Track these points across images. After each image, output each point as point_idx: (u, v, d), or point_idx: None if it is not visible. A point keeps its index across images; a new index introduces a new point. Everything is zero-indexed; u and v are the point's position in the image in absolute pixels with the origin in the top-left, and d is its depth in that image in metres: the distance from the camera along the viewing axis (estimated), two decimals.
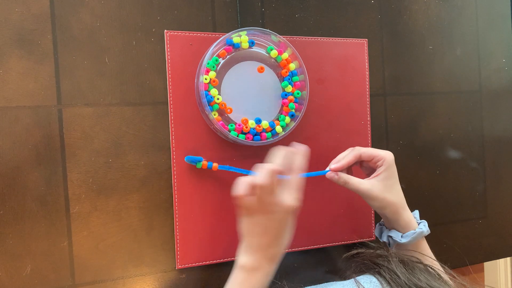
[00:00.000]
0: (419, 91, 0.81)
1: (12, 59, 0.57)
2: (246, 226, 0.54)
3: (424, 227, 0.62)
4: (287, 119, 0.67)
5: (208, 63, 0.63)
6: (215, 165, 0.64)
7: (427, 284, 0.51)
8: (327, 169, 0.63)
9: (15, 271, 0.57)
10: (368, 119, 0.75)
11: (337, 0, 0.75)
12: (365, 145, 0.75)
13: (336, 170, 0.62)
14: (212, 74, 0.64)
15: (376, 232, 0.68)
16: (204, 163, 0.64)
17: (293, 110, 0.68)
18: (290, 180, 0.53)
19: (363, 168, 0.66)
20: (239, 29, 0.65)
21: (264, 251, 0.53)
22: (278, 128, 0.67)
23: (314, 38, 0.72)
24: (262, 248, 0.53)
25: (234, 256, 0.67)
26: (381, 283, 0.52)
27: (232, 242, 0.67)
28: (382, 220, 0.68)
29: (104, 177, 0.61)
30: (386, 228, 0.66)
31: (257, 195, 0.50)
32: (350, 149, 0.64)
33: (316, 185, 0.71)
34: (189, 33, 0.65)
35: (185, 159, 0.64)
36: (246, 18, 0.69)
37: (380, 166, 0.61)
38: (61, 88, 0.59)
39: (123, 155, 0.62)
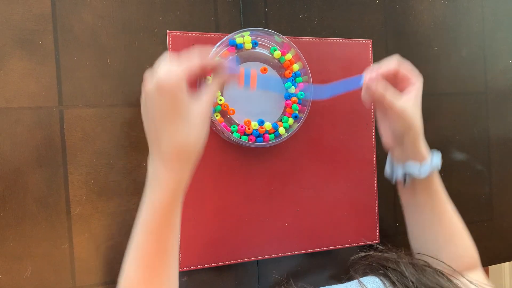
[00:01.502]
0: (424, 92, 0.80)
1: (13, 59, 0.57)
2: (143, 119, 0.49)
3: (438, 157, 0.59)
4: (290, 120, 0.67)
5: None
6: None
7: (437, 284, 0.50)
8: (361, 75, 0.58)
9: (16, 273, 0.57)
10: (372, 120, 0.74)
11: (341, 0, 0.74)
12: (369, 148, 0.74)
13: (373, 79, 0.55)
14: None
15: (387, 170, 0.64)
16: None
17: (297, 112, 0.67)
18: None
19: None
20: (242, 30, 0.64)
21: (157, 147, 0.45)
22: (281, 130, 0.66)
23: (318, 39, 0.71)
24: (155, 144, 0.46)
25: (237, 259, 0.66)
26: (384, 283, 0.51)
27: (235, 245, 0.66)
28: (388, 157, 0.64)
29: (106, 179, 0.60)
30: (396, 164, 0.62)
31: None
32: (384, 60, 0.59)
33: (319, 188, 0.71)
34: (192, 34, 0.64)
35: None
36: (249, 19, 0.68)
37: (413, 84, 0.58)
38: (62, 89, 0.59)
39: (124, 156, 0.61)
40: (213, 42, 0.64)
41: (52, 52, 0.58)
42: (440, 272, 0.54)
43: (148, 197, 0.47)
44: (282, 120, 0.67)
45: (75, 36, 0.59)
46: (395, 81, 0.59)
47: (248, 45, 0.65)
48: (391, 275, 0.52)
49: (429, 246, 0.63)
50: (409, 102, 0.57)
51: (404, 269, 0.52)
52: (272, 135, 0.66)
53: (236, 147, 0.66)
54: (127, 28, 0.62)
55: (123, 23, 0.62)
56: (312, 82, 0.67)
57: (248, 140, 0.64)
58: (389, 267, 0.54)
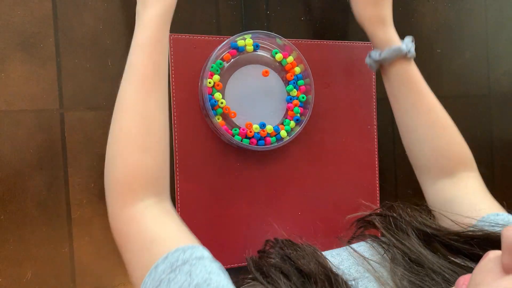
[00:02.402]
0: None
1: (14, 62, 0.56)
2: None
3: (405, 45, 0.59)
4: (292, 123, 0.66)
5: (212, 67, 0.63)
6: None
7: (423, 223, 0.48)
8: None
9: (16, 276, 0.56)
10: (375, 123, 0.74)
11: (343, 2, 0.74)
12: (371, 151, 0.74)
13: None
14: (216, 77, 0.63)
15: (366, 60, 0.65)
16: None
17: (298, 115, 0.67)
18: None
19: None
20: (243, 32, 0.64)
21: None
22: (283, 133, 0.66)
23: (320, 41, 0.71)
24: None
25: (237, 263, 0.66)
26: (370, 245, 0.50)
27: (236, 249, 0.66)
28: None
29: None
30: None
31: None
32: None
33: (321, 191, 0.70)
34: (193, 36, 0.64)
35: None
36: (251, 21, 0.68)
37: None
38: (63, 91, 0.59)
39: None
40: (214, 44, 0.64)
41: (53, 54, 0.58)
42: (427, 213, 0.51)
43: (141, 21, 0.50)
44: (284, 123, 0.66)
45: (76, 39, 0.59)
46: None
47: (250, 48, 0.65)
48: (377, 224, 0.49)
49: (412, 140, 0.62)
50: None
51: (400, 212, 0.49)
52: (274, 138, 0.66)
53: (237, 150, 0.66)
54: (129, 31, 0.61)
55: (124, 25, 0.61)
56: (314, 85, 0.67)
57: (249, 143, 0.64)
58: (377, 217, 0.51)
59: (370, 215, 0.52)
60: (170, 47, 0.63)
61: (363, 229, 0.53)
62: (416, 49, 0.79)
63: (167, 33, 0.51)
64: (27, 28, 0.57)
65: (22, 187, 0.57)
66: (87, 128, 0.59)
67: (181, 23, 0.64)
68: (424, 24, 0.80)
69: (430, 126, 0.60)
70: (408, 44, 0.60)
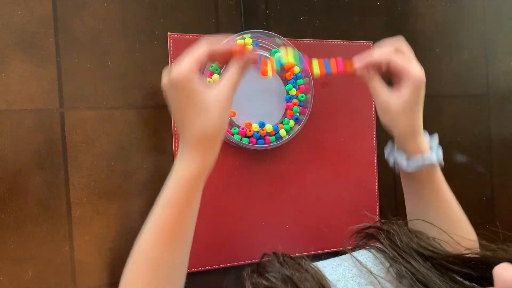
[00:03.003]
0: (425, 94, 0.80)
1: (14, 62, 0.57)
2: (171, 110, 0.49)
3: (434, 157, 0.55)
4: (291, 122, 0.67)
5: (211, 66, 0.63)
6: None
7: (429, 245, 0.47)
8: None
9: (16, 275, 0.57)
10: (374, 122, 0.74)
11: (342, 2, 0.74)
12: (370, 149, 0.74)
13: (362, 63, 0.53)
14: (216, 77, 0.63)
15: (385, 152, 0.60)
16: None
17: (298, 114, 0.67)
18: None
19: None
20: (243, 32, 0.64)
21: (183, 134, 0.47)
22: (282, 132, 0.66)
23: (319, 41, 0.71)
24: (181, 131, 0.47)
25: (237, 261, 0.66)
26: (374, 255, 0.49)
27: (236, 247, 0.66)
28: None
29: (107, 181, 0.60)
30: (397, 147, 0.58)
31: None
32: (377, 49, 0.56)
33: (320, 189, 0.71)
34: (193, 36, 0.64)
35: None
36: (250, 21, 0.68)
37: (406, 81, 0.54)
38: (64, 91, 0.59)
39: (125, 159, 0.61)
40: None
41: (53, 54, 0.58)
42: (432, 238, 0.50)
43: (174, 173, 0.48)
44: (283, 122, 0.67)
45: (76, 39, 0.59)
46: (389, 71, 0.55)
47: (249, 47, 0.65)
48: (382, 241, 0.48)
49: (430, 232, 0.58)
50: (396, 99, 0.54)
51: (397, 230, 0.48)
52: (273, 137, 0.66)
53: (237, 149, 0.66)
54: (128, 31, 0.62)
55: (124, 25, 0.62)
56: (313, 85, 0.67)
57: (249, 142, 0.64)
58: (382, 233, 0.50)
59: (374, 227, 0.52)
60: (170, 46, 0.63)
61: (366, 240, 0.53)
62: (414, 49, 0.79)
63: (200, 191, 0.48)
64: (27, 28, 0.57)
65: (22, 187, 0.57)
66: (87, 127, 0.60)
67: (180, 22, 0.64)
68: (423, 24, 0.80)
69: (453, 224, 0.58)
70: (439, 155, 0.56)
